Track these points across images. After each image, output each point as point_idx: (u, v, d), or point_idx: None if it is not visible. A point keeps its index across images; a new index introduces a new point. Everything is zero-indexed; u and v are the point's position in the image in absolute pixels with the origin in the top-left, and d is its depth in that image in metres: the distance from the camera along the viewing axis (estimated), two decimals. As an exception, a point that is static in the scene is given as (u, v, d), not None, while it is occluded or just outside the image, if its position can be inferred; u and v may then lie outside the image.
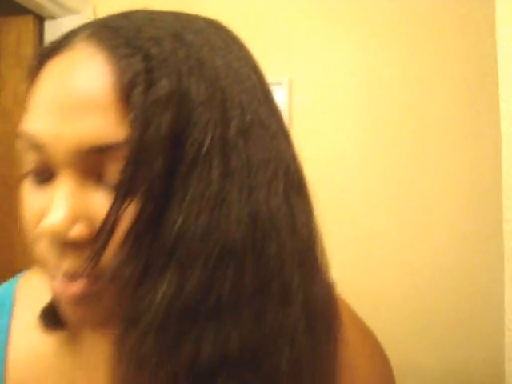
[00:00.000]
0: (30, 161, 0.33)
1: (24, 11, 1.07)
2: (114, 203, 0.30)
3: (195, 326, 0.31)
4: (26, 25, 1.10)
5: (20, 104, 1.12)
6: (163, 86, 0.30)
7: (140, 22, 0.33)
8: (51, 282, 0.33)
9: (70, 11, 1.08)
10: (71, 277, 0.31)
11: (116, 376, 0.33)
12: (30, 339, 0.42)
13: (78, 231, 0.30)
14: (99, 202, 0.31)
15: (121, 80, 0.30)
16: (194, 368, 0.30)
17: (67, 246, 0.31)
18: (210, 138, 0.31)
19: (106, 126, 0.30)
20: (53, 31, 1.11)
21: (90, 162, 0.30)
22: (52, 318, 0.39)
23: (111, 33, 0.33)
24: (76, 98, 0.31)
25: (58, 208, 0.31)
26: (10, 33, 1.11)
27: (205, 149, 0.31)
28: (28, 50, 1.09)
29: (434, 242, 0.93)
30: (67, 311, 0.34)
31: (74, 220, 0.30)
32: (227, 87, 0.33)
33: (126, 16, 0.34)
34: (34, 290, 0.43)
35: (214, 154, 0.31)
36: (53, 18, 1.10)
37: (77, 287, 0.31)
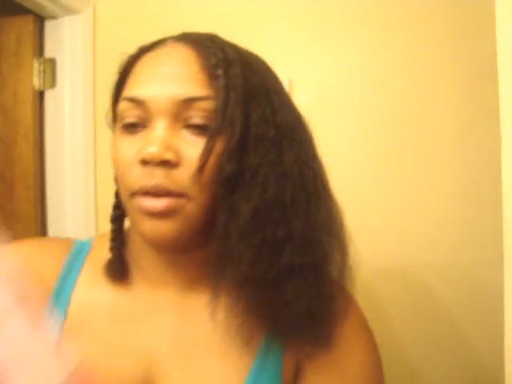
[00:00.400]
0: (128, 116, 0.46)
1: (24, 11, 1.07)
2: (208, 139, 0.45)
3: (272, 220, 0.47)
4: (26, 25, 1.10)
5: (20, 104, 1.12)
6: (236, 70, 0.47)
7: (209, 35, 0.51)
8: (140, 202, 0.44)
9: (70, 11, 1.08)
10: (159, 193, 0.44)
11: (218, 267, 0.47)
12: (92, 285, 0.52)
13: (170, 155, 0.44)
14: (184, 138, 0.45)
15: (206, 62, 0.46)
16: (273, 242, 0.47)
17: (160, 166, 0.44)
18: (267, 109, 0.49)
19: (194, 87, 0.45)
20: (53, 31, 1.11)
21: (180, 110, 0.45)
22: (113, 271, 0.51)
23: (192, 36, 0.50)
24: (173, 71, 0.46)
25: (156, 140, 0.44)
26: (10, 33, 1.11)
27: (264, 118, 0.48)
28: (28, 50, 1.09)
29: (434, 241, 0.93)
30: (148, 226, 0.45)
31: (166, 148, 0.44)
32: (272, 84, 0.51)
33: (198, 33, 0.51)
34: (101, 250, 0.53)
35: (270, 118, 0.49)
36: (53, 17, 1.10)
37: (162, 202, 0.44)
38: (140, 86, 0.46)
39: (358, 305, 0.56)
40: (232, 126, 0.46)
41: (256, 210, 0.47)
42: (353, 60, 0.98)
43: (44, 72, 1.10)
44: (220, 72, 0.46)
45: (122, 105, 0.47)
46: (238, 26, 0.99)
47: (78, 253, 0.55)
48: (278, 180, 0.48)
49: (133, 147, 0.45)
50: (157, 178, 0.44)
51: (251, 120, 0.48)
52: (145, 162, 0.44)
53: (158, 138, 0.44)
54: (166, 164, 0.44)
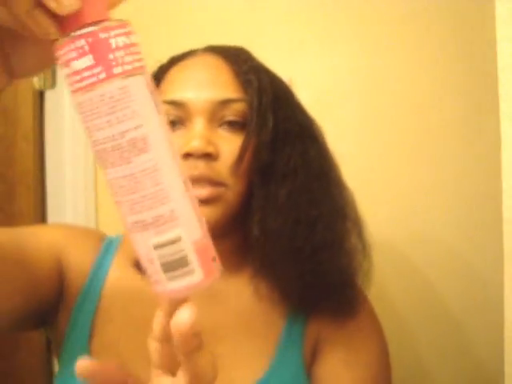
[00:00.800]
0: (169, 115, 0.53)
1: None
2: (246, 134, 0.53)
3: (304, 202, 0.54)
4: (26, 25, 1.10)
5: (20, 104, 1.12)
6: (264, 76, 0.56)
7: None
8: None
9: (70, 11, 1.08)
10: (202, 182, 0.50)
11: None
12: (122, 276, 0.57)
13: (211, 149, 0.51)
14: (220, 135, 0.53)
15: (238, 69, 0.54)
16: (306, 221, 0.54)
17: (202, 159, 0.50)
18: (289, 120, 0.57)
19: (228, 90, 0.53)
20: (53, 31, 1.11)
21: (216, 111, 0.52)
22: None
23: (220, 48, 0.58)
24: (208, 77, 0.54)
25: (198, 135, 0.51)
26: (10, 33, 1.10)
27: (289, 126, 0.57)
28: (28, 50, 1.09)
29: (434, 241, 0.93)
30: None
31: (208, 143, 0.51)
32: (288, 90, 0.61)
33: (224, 45, 0.59)
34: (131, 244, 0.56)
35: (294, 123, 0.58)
36: (53, 17, 1.10)
37: (206, 190, 0.50)
38: (178, 91, 0.54)
39: (365, 295, 0.62)
40: (265, 123, 0.54)
41: (290, 194, 0.54)
42: (353, 60, 0.98)
43: (44, 72, 1.10)
44: (253, 77, 0.54)
45: (165, 106, 0.54)
46: (239, 25, 0.99)
47: (109, 245, 0.60)
48: (305, 168, 0.56)
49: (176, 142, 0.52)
50: (199, 168, 0.50)
51: (279, 118, 0.56)
52: (188, 155, 0.50)
53: (199, 133, 0.51)
54: (207, 156, 0.50)
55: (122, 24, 0.30)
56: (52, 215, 1.13)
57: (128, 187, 0.29)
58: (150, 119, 0.29)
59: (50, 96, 1.12)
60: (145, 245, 0.30)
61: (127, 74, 0.28)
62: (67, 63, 0.28)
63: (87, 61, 0.28)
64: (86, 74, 0.28)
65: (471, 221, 0.90)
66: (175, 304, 0.30)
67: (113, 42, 0.28)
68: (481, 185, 0.89)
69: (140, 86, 0.29)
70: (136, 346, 0.50)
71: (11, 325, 0.54)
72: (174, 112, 0.53)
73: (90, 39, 0.28)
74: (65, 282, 0.57)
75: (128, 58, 0.29)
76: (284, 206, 0.54)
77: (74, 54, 0.28)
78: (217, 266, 0.32)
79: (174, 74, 0.56)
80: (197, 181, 0.50)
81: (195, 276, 0.30)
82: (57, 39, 0.29)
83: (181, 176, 0.30)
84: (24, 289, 0.52)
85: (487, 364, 0.87)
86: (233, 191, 0.52)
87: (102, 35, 0.28)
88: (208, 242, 0.31)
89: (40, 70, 0.34)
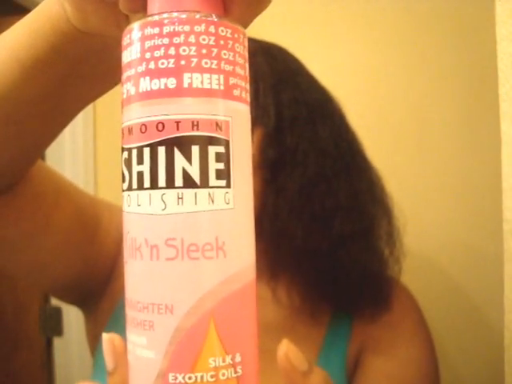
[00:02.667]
0: None
1: (24, 11, 1.07)
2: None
3: (318, 194, 0.49)
4: (26, 25, 1.10)
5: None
6: (259, 59, 0.52)
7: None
8: None
9: (70, 11, 1.08)
10: None
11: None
12: None
13: None
14: None
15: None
16: (322, 215, 0.49)
17: None
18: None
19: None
20: (53, 31, 1.11)
21: None
22: None
23: None
24: None
25: None
26: (10, 33, 1.10)
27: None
28: (28, 50, 1.09)
29: (434, 241, 0.93)
30: None
31: None
32: (296, 67, 0.55)
33: None
34: None
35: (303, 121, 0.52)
36: (53, 17, 1.10)
37: None
38: None
39: (407, 289, 0.59)
40: (266, 113, 0.49)
41: (301, 187, 0.50)
42: (353, 59, 0.97)
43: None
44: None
45: None
46: (238, 26, 0.99)
47: None
48: (317, 156, 0.51)
49: None
50: None
51: (283, 104, 0.51)
52: None
53: None
54: None
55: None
56: (52, 215, 1.12)
57: None
58: None
59: (49, 96, 1.12)
60: None
61: None
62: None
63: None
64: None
65: (471, 221, 0.90)
66: None
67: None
68: (481, 185, 0.89)
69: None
70: None
71: (59, 287, 0.54)
72: None
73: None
74: (117, 266, 0.55)
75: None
76: (296, 201, 0.50)
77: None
78: None
79: None
80: None
81: None
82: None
83: None
84: (84, 257, 0.51)
85: (487, 363, 0.87)
86: None
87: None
88: None
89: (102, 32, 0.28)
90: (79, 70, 0.32)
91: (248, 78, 0.24)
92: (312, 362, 0.29)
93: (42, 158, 1.12)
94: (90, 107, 1.14)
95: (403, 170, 0.95)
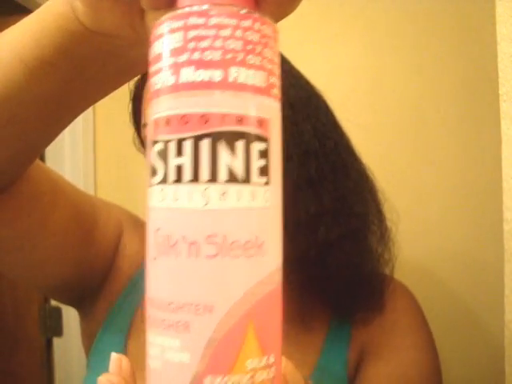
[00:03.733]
0: None
1: (24, 11, 1.07)
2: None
3: (302, 199, 0.47)
4: (26, 25, 1.10)
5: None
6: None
7: None
8: None
9: (70, 11, 1.08)
10: None
11: None
12: None
13: None
14: None
15: None
16: (306, 221, 0.47)
17: None
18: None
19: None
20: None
21: None
22: None
23: None
24: None
25: None
26: (9, 33, 1.10)
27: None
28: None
29: (434, 241, 0.93)
30: None
31: None
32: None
33: None
34: None
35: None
36: (53, 18, 1.10)
37: None
38: None
39: (404, 286, 0.57)
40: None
41: (284, 193, 0.47)
42: (353, 59, 0.97)
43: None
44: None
45: None
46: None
47: None
48: (301, 158, 0.49)
49: None
50: None
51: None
52: None
53: None
54: None
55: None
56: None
57: None
58: None
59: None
60: None
61: None
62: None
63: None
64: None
65: (471, 221, 0.90)
66: None
67: None
68: (481, 185, 0.89)
69: None
70: None
71: (54, 287, 0.53)
72: None
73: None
74: (114, 267, 0.55)
75: None
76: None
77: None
78: None
79: None
80: None
81: None
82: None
83: None
84: (80, 257, 0.51)
85: (487, 364, 0.86)
86: None
87: None
88: None
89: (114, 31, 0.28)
90: (85, 72, 0.31)
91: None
92: (308, 379, 0.28)
93: (42, 158, 1.12)
94: (89, 109, 1.13)
95: (403, 170, 0.95)
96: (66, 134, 1.11)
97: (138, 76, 0.52)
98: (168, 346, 0.22)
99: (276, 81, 0.23)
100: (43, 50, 0.29)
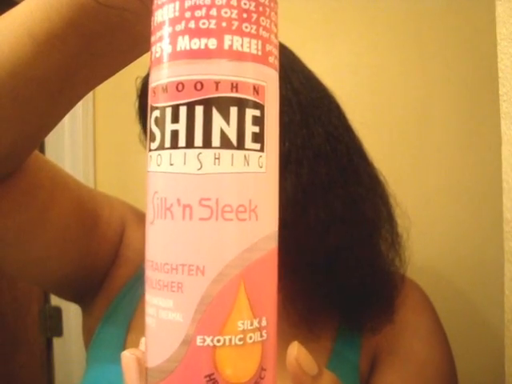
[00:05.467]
0: None
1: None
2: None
3: (312, 204, 0.45)
4: (26, 25, 1.10)
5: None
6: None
7: None
8: None
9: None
10: None
11: None
12: None
13: None
14: None
15: None
16: (316, 227, 0.45)
17: None
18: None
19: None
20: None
21: None
22: None
23: None
24: None
25: None
26: (9, 33, 1.10)
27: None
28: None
29: (434, 242, 0.93)
30: None
31: None
32: (289, 63, 0.52)
33: None
34: None
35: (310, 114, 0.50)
36: (53, 17, 1.10)
37: None
38: None
39: (416, 284, 0.55)
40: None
41: (294, 198, 0.46)
42: (353, 59, 0.97)
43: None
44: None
45: None
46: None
47: None
48: (311, 163, 0.48)
49: None
50: None
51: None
52: None
53: None
54: None
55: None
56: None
57: None
58: None
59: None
60: None
61: None
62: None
63: None
64: None
65: (471, 221, 0.90)
66: None
67: None
68: (481, 185, 0.89)
69: None
70: None
71: (55, 283, 0.52)
72: None
73: None
74: (116, 262, 0.55)
75: None
76: (288, 213, 0.45)
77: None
78: None
79: None
80: None
81: None
82: None
83: None
84: (82, 253, 0.50)
85: (487, 364, 0.86)
86: None
87: None
88: None
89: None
90: (93, 47, 0.31)
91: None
92: (322, 366, 0.28)
93: (42, 152, 1.12)
94: (89, 101, 1.13)
95: (402, 170, 0.95)
96: (66, 132, 1.11)
97: (145, 73, 0.51)
98: (162, 306, 0.22)
99: (273, 49, 0.24)
100: (53, 23, 0.30)
